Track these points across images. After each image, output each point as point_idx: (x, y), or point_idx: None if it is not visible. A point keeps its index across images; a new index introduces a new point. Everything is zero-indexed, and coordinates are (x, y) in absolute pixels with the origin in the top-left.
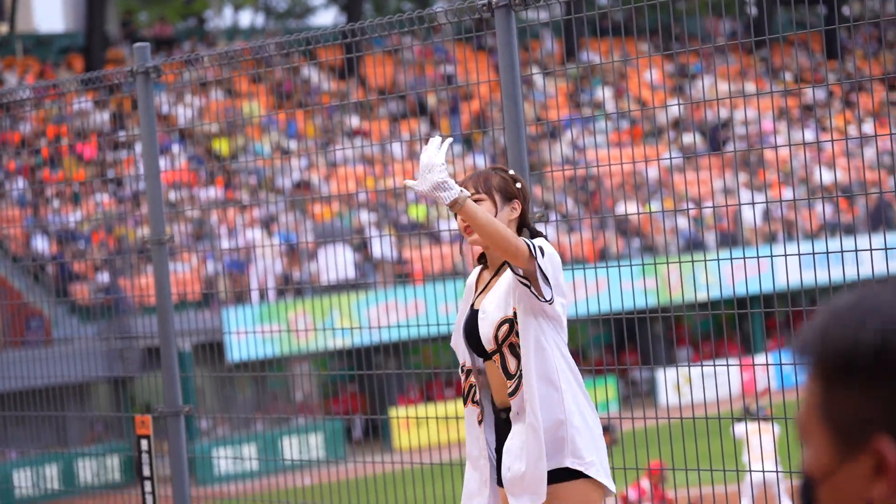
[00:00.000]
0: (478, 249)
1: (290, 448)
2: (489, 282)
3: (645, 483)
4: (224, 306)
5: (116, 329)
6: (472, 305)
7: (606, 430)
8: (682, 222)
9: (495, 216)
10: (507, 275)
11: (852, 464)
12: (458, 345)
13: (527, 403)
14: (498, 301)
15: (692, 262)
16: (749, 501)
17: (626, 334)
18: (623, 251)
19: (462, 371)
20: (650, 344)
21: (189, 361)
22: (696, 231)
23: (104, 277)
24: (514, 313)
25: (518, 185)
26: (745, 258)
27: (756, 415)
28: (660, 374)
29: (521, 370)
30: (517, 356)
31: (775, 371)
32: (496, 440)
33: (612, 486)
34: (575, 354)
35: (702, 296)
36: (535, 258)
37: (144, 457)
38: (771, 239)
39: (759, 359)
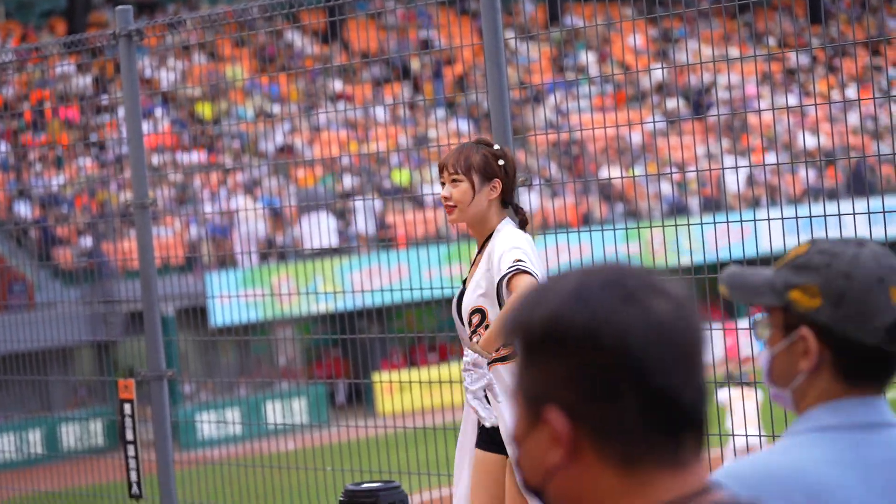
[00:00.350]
0: (462, 226)
1: (274, 413)
2: (475, 258)
3: None
4: (207, 271)
5: (100, 293)
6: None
7: None
8: (666, 187)
9: (473, 197)
10: (484, 260)
11: (536, 432)
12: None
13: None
14: (473, 286)
15: (676, 226)
16: None
17: None
18: (606, 216)
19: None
20: None
21: (172, 326)
22: (680, 196)
23: (87, 241)
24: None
25: (501, 161)
26: (728, 223)
27: (739, 380)
28: None
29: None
30: None
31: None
32: None
33: None
34: None
35: (685, 260)
36: None
37: (128, 421)
38: (754, 204)
39: (742, 323)
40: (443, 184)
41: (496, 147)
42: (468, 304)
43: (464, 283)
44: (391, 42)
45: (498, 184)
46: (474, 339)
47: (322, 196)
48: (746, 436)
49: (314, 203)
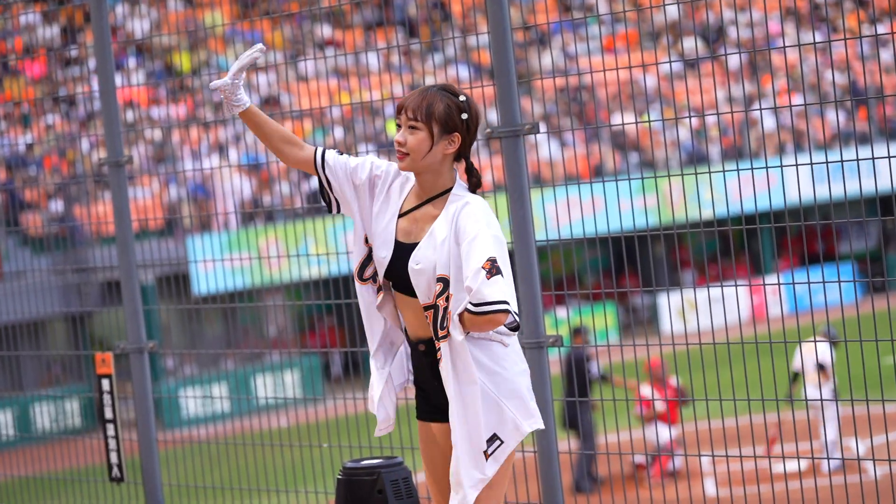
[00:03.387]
0: (411, 175)
1: (264, 387)
2: (415, 208)
3: (646, 390)
4: (189, 234)
5: (72, 261)
6: (397, 234)
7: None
8: (684, 134)
9: (430, 149)
10: (443, 223)
11: None
12: (381, 264)
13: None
14: (434, 253)
15: (695, 175)
16: (835, 430)
17: (625, 256)
18: (620, 166)
19: (366, 271)
20: (651, 266)
21: (152, 295)
22: (699, 143)
23: (58, 206)
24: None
25: (464, 115)
26: (752, 170)
27: (832, 337)
28: (662, 298)
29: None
30: (437, 321)
31: (787, 293)
32: (413, 369)
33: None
34: (570, 279)
35: (706, 213)
36: (511, 311)
37: (106, 398)
38: (780, 150)
39: (770, 280)
40: (398, 126)
41: (462, 98)
42: (429, 272)
43: (395, 236)
44: None
45: (457, 138)
46: (443, 312)
47: None
48: (822, 400)
49: None
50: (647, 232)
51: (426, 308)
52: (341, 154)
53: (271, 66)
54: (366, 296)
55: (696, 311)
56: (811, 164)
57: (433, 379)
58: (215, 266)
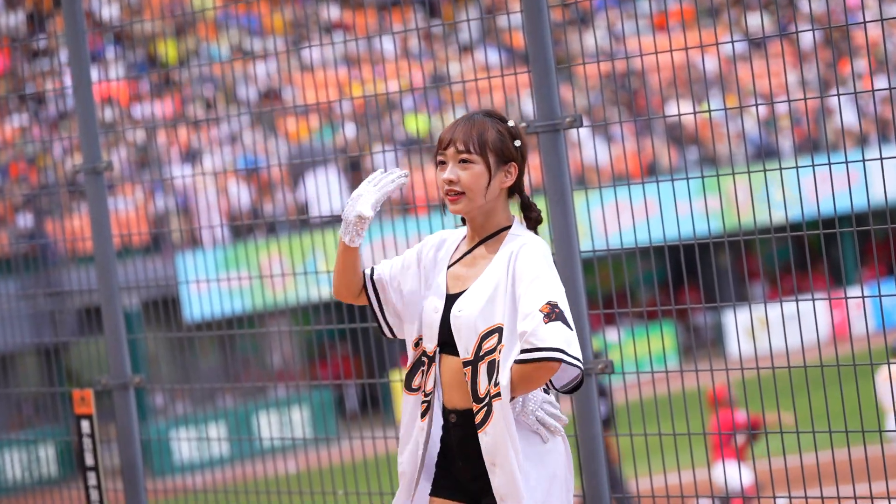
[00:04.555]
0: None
1: (268, 426)
2: (468, 253)
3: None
4: (178, 251)
5: (45, 284)
6: (448, 287)
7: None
8: (750, 125)
9: (488, 184)
10: (499, 266)
11: None
12: (430, 329)
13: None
14: (481, 298)
15: (764, 172)
16: None
17: (685, 268)
18: (676, 164)
19: (418, 349)
20: (715, 279)
21: (137, 322)
22: (768, 135)
23: (27, 220)
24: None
25: (517, 142)
26: (829, 165)
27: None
28: (728, 316)
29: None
30: (489, 376)
31: (873, 307)
32: (440, 445)
33: None
34: (621, 296)
35: (778, 216)
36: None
37: (86, 442)
38: (862, 142)
39: (853, 292)
40: (441, 163)
41: (511, 123)
42: (473, 323)
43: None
44: None
45: (514, 168)
46: (486, 377)
47: (319, 152)
48: None
49: (310, 161)
50: (709, 239)
51: (465, 364)
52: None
53: (271, 54)
54: (410, 408)
55: (767, 329)
56: None
57: (459, 456)
58: (209, 287)
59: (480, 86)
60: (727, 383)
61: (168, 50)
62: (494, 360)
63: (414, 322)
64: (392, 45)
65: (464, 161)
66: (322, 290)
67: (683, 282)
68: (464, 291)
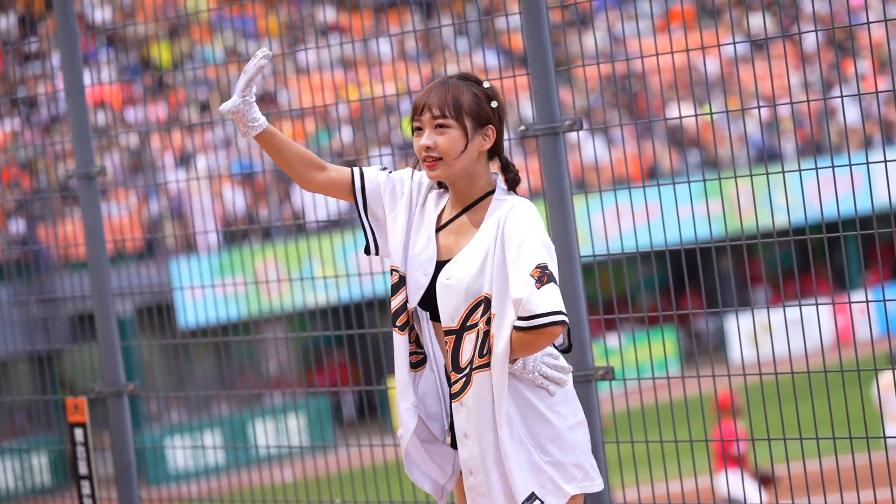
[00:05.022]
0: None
1: (264, 434)
2: (453, 219)
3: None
4: (173, 257)
5: (37, 291)
6: (439, 253)
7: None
8: (752, 127)
9: (465, 147)
10: (487, 233)
11: None
12: (416, 288)
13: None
14: (471, 266)
15: (767, 175)
16: None
17: (686, 273)
18: (677, 167)
19: (398, 301)
20: (717, 284)
21: (131, 329)
22: (770, 138)
23: (19, 226)
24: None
25: (494, 103)
26: (833, 167)
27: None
28: (730, 321)
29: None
30: (475, 347)
31: (877, 311)
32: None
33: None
34: (621, 301)
35: (780, 220)
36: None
37: (80, 450)
38: (866, 144)
39: (857, 297)
40: (417, 129)
41: (486, 84)
42: (462, 291)
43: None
44: None
45: (492, 131)
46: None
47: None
48: None
49: None
50: (711, 244)
51: (447, 333)
52: (383, 170)
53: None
54: (402, 350)
55: (770, 335)
56: None
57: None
58: (204, 294)
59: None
60: (731, 391)
61: (161, 52)
62: (483, 331)
63: (398, 253)
64: (389, 47)
65: (440, 126)
66: (318, 295)
67: (685, 287)
68: (450, 259)
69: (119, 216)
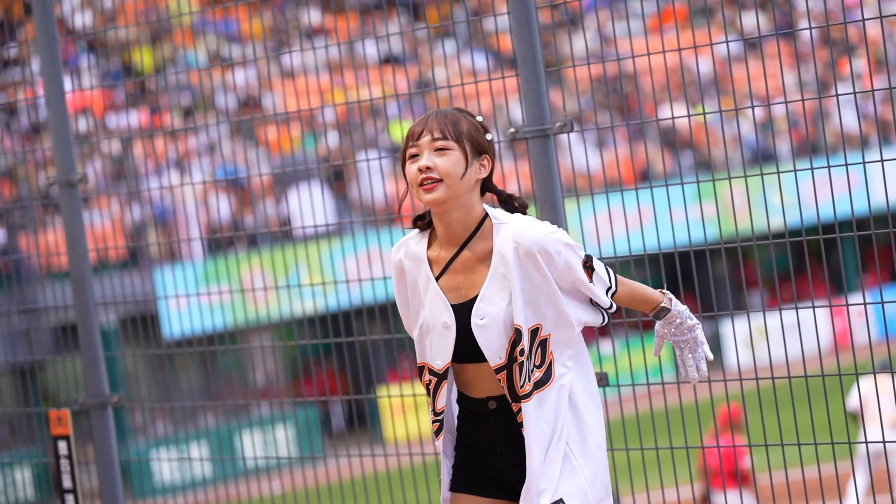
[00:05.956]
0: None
1: (252, 446)
2: (454, 258)
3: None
4: (157, 265)
5: (18, 302)
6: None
7: None
8: (746, 128)
9: (464, 173)
10: (502, 262)
11: None
12: (442, 344)
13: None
14: (500, 300)
15: (761, 177)
16: (865, 475)
17: (680, 277)
18: (671, 169)
19: (429, 374)
20: (712, 288)
21: (115, 339)
22: (764, 139)
23: None
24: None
25: (489, 136)
26: (829, 168)
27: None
28: (726, 326)
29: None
30: (527, 373)
31: (875, 314)
32: (480, 437)
33: None
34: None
35: (776, 222)
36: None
37: (64, 464)
38: (862, 144)
39: (855, 299)
40: (412, 156)
41: (479, 118)
42: (499, 324)
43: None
44: None
45: (487, 161)
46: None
47: (301, 162)
48: (884, 441)
49: (291, 171)
50: (705, 247)
51: (498, 370)
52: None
53: (250, 60)
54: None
55: (766, 339)
56: None
57: (497, 443)
58: (189, 303)
59: (467, 91)
60: (744, 406)
61: (143, 58)
62: (521, 362)
63: (415, 323)
64: (375, 49)
65: (440, 149)
66: (306, 304)
67: (679, 291)
68: (474, 299)
69: (101, 224)
